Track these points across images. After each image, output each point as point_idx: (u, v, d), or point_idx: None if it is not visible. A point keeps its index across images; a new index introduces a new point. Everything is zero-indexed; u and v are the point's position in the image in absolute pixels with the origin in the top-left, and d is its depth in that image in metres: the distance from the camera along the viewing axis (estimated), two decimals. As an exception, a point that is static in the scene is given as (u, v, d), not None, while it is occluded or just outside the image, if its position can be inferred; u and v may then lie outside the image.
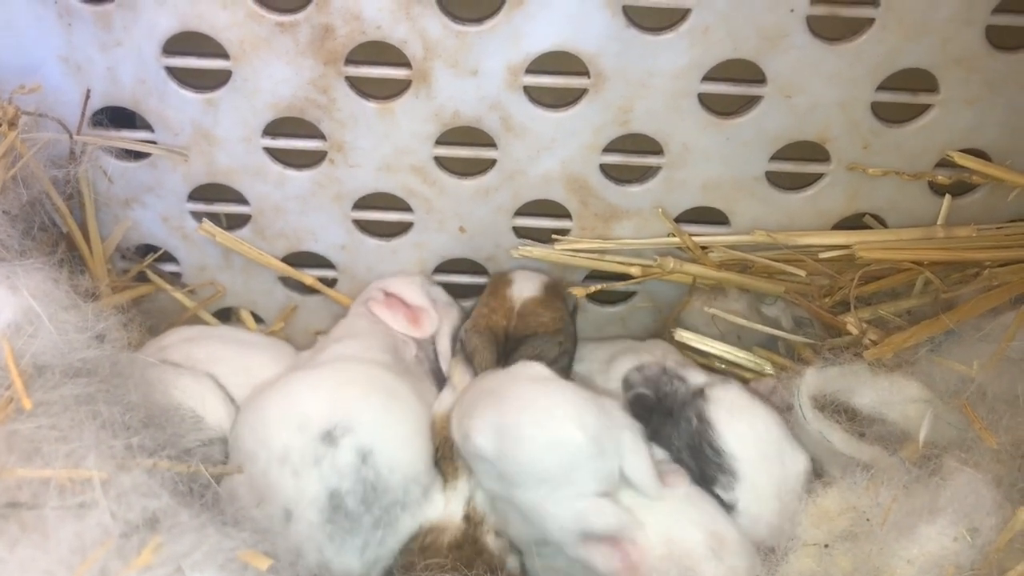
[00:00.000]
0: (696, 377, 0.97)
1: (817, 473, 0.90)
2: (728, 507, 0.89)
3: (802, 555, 0.79)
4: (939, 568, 0.75)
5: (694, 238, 1.05)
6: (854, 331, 1.00)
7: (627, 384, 0.99)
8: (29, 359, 0.70)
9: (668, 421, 0.94)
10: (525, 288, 1.04)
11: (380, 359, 0.99)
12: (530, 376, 0.90)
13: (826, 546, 0.78)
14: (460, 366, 0.99)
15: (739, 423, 0.91)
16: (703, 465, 0.91)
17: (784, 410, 0.94)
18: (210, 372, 1.00)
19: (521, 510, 0.86)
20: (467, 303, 1.14)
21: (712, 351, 1.07)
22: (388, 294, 1.07)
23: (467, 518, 0.92)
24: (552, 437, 0.83)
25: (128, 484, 0.60)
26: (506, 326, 1.01)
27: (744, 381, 1.05)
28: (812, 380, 0.91)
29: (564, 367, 1.01)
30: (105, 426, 0.66)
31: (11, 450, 0.62)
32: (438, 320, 1.06)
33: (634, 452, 0.86)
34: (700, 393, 0.94)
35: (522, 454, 0.84)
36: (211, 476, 0.74)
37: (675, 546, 0.83)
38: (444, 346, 1.05)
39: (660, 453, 0.93)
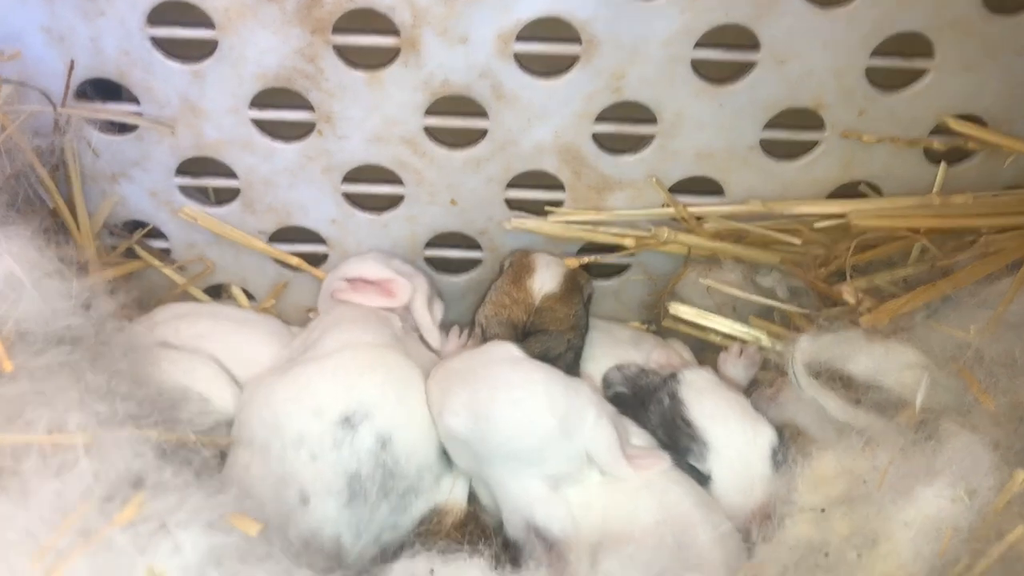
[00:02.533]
0: (671, 369, 1.01)
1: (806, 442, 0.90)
2: (704, 478, 0.91)
3: (799, 520, 0.78)
4: (937, 530, 0.74)
5: (688, 208, 1.04)
6: (850, 300, 0.99)
7: (606, 383, 1.02)
8: (12, 325, 0.69)
9: (641, 410, 0.97)
10: (547, 282, 1.04)
11: (383, 340, 0.98)
12: (503, 357, 0.92)
13: (823, 510, 0.78)
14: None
15: (707, 399, 0.94)
16: (676, 437, 0.93)
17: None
18: (202, 349, 0.99)
19: (489, 486, 0.89)
20: (460, 278, 1.13)
21: (708, 324, 1.06)
22: (350, 280, 1.06)
23: (472, 500, 0.94)
24: (523, 417, 0.85)
25: (112, 445, 0.59)
26: (525, 321, 1.02)
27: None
28: (806, 347, 0.90)
29: (569, 363, 1.02)
30: (89, 390, 0.65)
31: (-7, 414, 0.61)
32: (410, 286, 1.05)
33: (597, 431, 0.87)
34: (672, 376, 0.98)
35: (494, 433, 0.86)
36: (203, 445, 0.73)
37: (669, 511, 0.83)
38: (423, 317, 1.05)
39: (642, 439, 0.94)
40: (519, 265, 1.05)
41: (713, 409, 0.93)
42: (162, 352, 0.95)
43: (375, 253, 1.09)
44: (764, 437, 0.91)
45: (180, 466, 0.62)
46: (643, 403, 0.97)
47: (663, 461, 0.89)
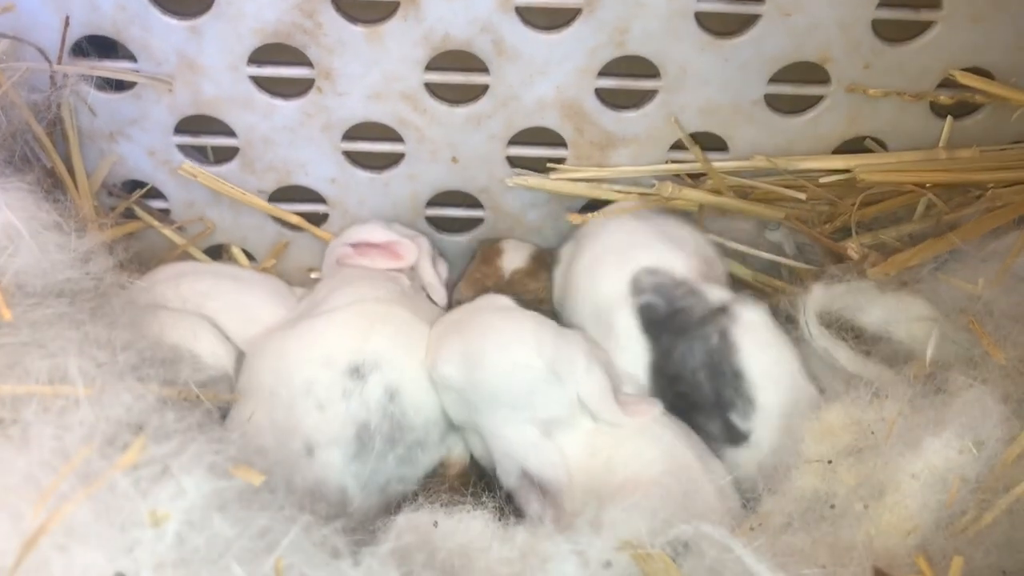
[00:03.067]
0: (715, 293, 0.93)
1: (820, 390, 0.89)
2: (740, 436, 0.88)
3: (805, 471, 0.77)
4: (944, 481, 0.73)
5: (693, 164, 1.03)
6: (855, 256, 0.98)
7: (636, 287, 0.94)
8: (10, 277, 0.68)
9: (681, 340, 0.91)
10: (515, 260, 1.06)
11: (392, 297, 0.98)
12: (493, 306, 0.94)
13: (829, 462, 0.77)
14: None
15: (764, 351, 0.89)
16: (720, 388, 0.88)
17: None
18: (204, 308, 0.99)
19: (483, 436, 0.89)
20: (462, 237, 1.12)
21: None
22: (354, 245, 1.06)
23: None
24: (512, 361, 0.86)
25: (112, 391, 0.59)
26: (492, 289, 1.04)
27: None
28: (819, 296, 0.89)
29: None
30: (89, 340, 0.64)
31: (-8, 363, 0.60)
32: (414, 247, 1.05)
33: (588, 376, 0.87)
34: (724, 310, 0.91)
35: (485, 378, 0.87)
36: (205, 399, 0.72)
37: (675, 461, 0.83)
38: (430, 275, 1.05)
39: (632, 387, 0.92)
40: (488, 250, 1.09)
41: (770, 365, 0.88)
42: (160, 311, 0.95)
43: (377, 220, 1.09)
44: (810, 398, 0.87)
45: (182, 413, 0.61)
46: (682, 329, 0.91)
47: (655, 407, 0.87)
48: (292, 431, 0.87)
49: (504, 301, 0.95)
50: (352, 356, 0.89)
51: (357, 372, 0.89)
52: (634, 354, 0.93)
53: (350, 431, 0.87)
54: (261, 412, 0.87)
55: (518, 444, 0.86)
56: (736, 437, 0.88)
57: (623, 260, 0.95)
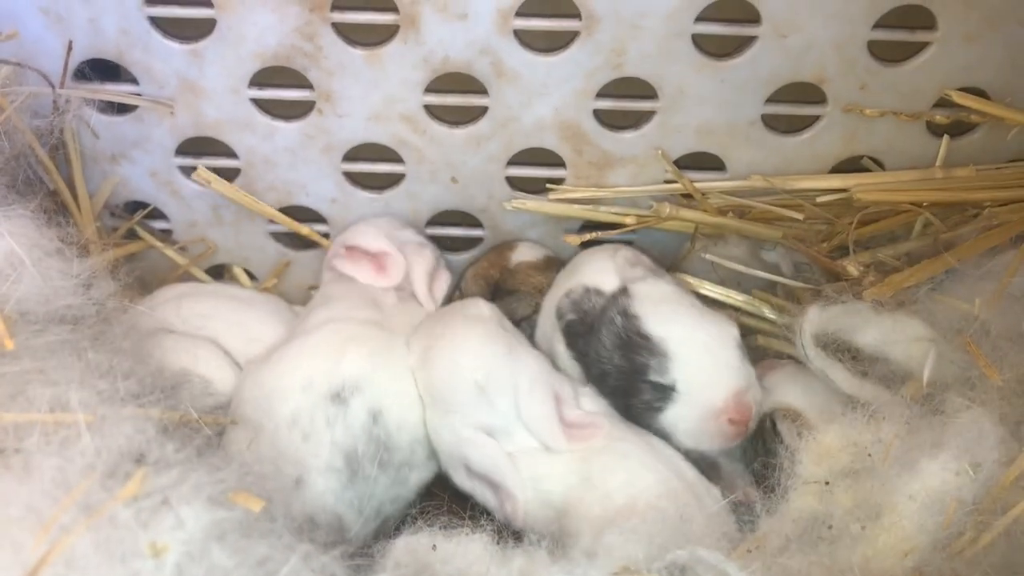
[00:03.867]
0: (614, 282, 0.96)
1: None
2: (669, 390, 0.89)
3: (803, 492, 0.77)
4: (941, 503, 0.74)
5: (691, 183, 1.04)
6: (853, 274, 0.98)
7: (558, 314, 0.99)
8: (13, 305, 0.69)
9: (592, 335, 0.94)
10: (525, 254, 1.08)
11: (366, 316, 0.98)
12: (465, 312, 0.97)
13: (827, 483, 0.77)
14: None
15: (662, 307, 0.92)
16: (634, 357, 0.90)
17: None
18: (205, 328, 0.99)
19: (430, 435, 0.93)
20: (461, 256, 1.13)
21: (711, 295, 1.06)
22: (349, 247, 1.05)
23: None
24: (449, 368, 0.91)
25: (113, 422, 0.59)
26: (497, 278, 1.06)
27: (744, 325, 1.04)
28: (815, 318, 0.89)
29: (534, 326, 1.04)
30: (91, 368, 0.65)
31: (-5, 391, 0.61)
32: (404, 263, 1.04)
33: (529, 400, 0.88)
34: (622, 291, 0.94)
35: (430, 376, 0.92)
36: (204, 424, 0.73)
37: (672, 484, 0.83)
38: (420, 290, 1.04)
39: (591, 403, 0.93)
40: (503, 244, 1.10)
41: (669, 314, 0.91)
42: (163, 336, 0.95)
43: (385, 220, 1.08)
44: (726, 329, 0.90)
45: (182, 443, 0.62)
46: (595, 329, 0.94)
47: (599, 431, 0.88)
48: (281, 462, 0.86)
49: (482, 309, 0.97)
50: (330, 379, 0.89)
51: (338, 397, 0.89)
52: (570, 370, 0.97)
53: (338, 460, 0.87)
54: (254, 441, 0.87)
55: (456, 441, 0.89)
56: (665, 394, 0.89)
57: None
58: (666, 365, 0.88)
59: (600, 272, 0.98)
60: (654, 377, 0.89)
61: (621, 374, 0.91)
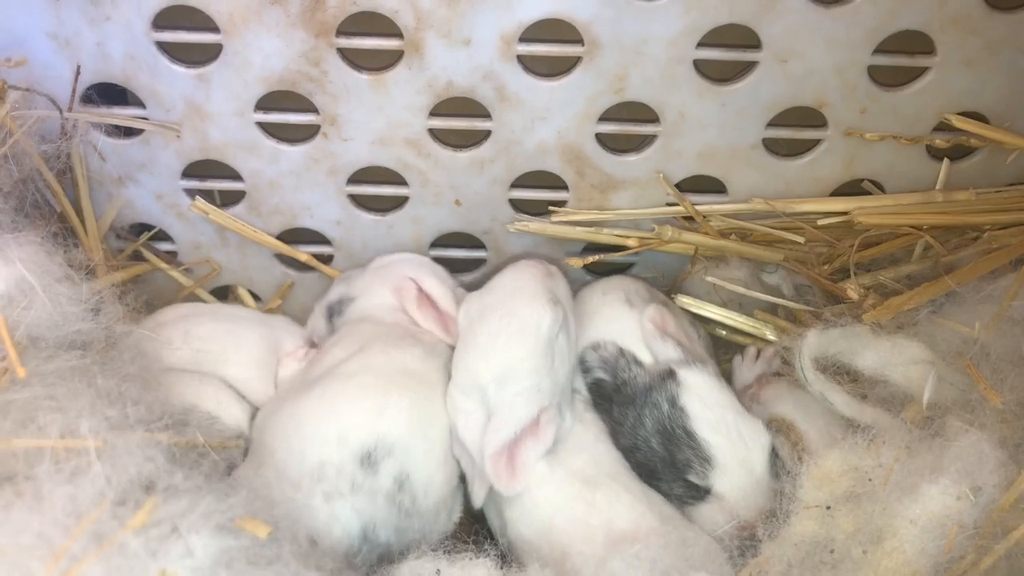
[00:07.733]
0: (658, 355, 0.96)
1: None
2: (701, 491, 0.89)
3: (804, 517, 0.78)
4: (942, 527, 0.74)
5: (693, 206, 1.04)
6: (854, 296, 0.99)
7: (584, 366, 0.99)
8: (23, 331, 0.69)
9: (630, 410, 0.93)
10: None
11: (409, 361, 0.94)
12: (531, 273, 0.96)
13: (828, 507, 0.78)
14: None
15: (711, 409, 0.90)
16: (675, 451, 0.90)
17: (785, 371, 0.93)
18: (206, 349, 0.99)
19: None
20: (465, 278, 1.13)
21: (712, 316, 1.06)
22: (421, 292, 1.02)
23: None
24: (494, 342, 0.91)
25: (123, 449, 0.60)
26: None
27: (744, 346, 1.05)
28: (814, 341, 0.90)
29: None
30: (100, 395, 0.66)
31: (6, 419, 0.62)
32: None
33: (495, 421, 0.88)
34: (670, 375, 0.93)
35: (471, 332, 0.94)
36: (211, 448, 0.73)
37: (672, 529, 0.83)
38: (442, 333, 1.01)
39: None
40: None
41: (718, 420, 0.90)
42: (170, 374, 0.94)
43: (444, 272, 1.07)
44: (763, 441, 0.89)
45: (190, 470, 0.62)
46: (631, 401, 0.94)
47: (518, 485, 0.87)
48: (296, 515, 0.82)
49: (542, 319, 0.92)
50: (364, 436, 0.86)
51: (369, 459, 0.85)
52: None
53: (355, 527, 0.84)
54: (268, 469, 0.85)
55: (452, 407, 0.90)
56: (699, 494, 0.89)
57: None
58: (708, 472, 0.88)
59: (627, 332, 0.98)
60: (693, 478, 0.89)
61: (657, 459, 0.91)
